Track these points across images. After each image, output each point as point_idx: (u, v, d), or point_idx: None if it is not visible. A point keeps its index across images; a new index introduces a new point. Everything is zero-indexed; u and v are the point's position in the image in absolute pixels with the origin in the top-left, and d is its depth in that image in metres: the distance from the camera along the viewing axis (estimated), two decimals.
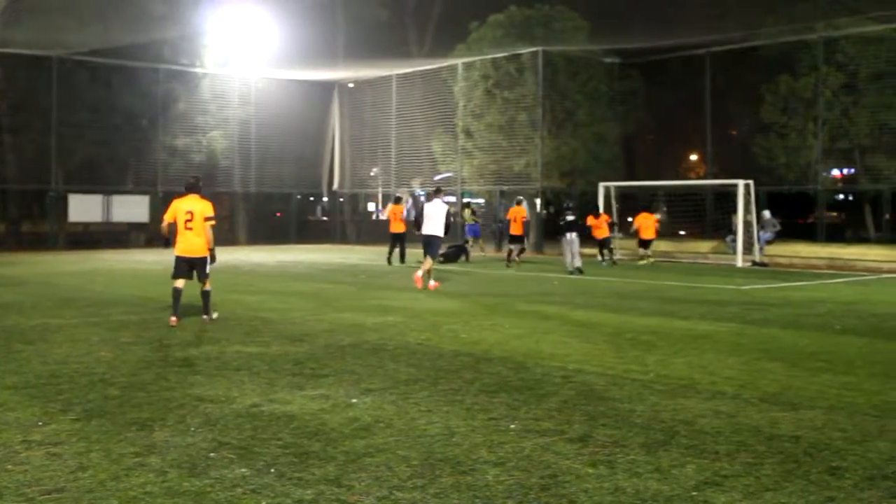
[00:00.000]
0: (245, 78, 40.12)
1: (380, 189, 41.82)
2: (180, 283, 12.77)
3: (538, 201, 34.68)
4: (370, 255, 31.86)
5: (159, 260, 28.11)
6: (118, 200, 36.42)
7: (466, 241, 30.71)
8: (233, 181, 39.57)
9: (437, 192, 19.65)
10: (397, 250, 26.54)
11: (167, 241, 13.80)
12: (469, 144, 36.53)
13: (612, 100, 36.37)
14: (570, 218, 24.45)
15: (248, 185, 40.41)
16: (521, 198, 27.94)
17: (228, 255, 29.72)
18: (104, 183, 36.36)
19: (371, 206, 47.31)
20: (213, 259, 12.96)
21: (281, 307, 14.90)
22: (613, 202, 31.67)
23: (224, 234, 38.57)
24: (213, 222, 12.86)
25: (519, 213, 26.30)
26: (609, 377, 8.70)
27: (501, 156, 35.30)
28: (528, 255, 33.27)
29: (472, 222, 32.39)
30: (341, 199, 43.87)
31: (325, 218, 48.21)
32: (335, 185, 43.41)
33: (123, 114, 36.35)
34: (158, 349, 10.28)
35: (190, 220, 12.77)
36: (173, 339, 11.01)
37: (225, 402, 7.49)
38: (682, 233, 34.57)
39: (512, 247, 26.45)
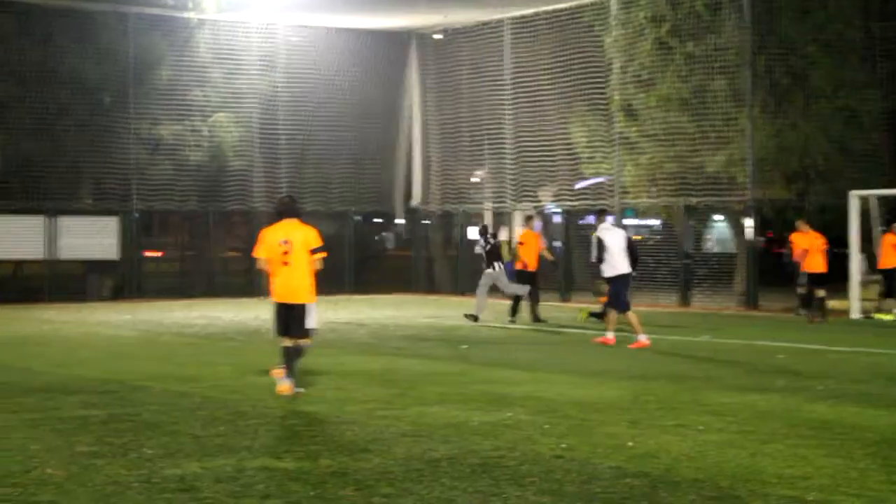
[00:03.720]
0: (268, 27, 40.54)
1: (489, 204, 41.74)
2: (289, 340, 14.92)
3: (749, 223, 34.33)
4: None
5: (139, 320, 28.59)
6: (68, 225, 37.05)
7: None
8: (251, 194, 39.64)
9: (602, 214, 23.52)
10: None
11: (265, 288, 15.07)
12: (632, 131, 36.42)
13: (869, 54, 35.87)
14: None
15: (275, 200, 40.65)
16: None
17: (247, 313, 30.25)
18: (45, 198, 36.90)
19: (473, 233, 47.46)
20: None
21: (333, 397, 15.00)
22: (877, 221, 31.17)
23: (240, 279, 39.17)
24: (322, 254, 14.61)
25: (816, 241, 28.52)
26: None
27: (685, 149, 35.08)
28: (734, 310, 33.01)
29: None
30: (426, 222, 44.08)
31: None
32: (415, 200, 43.64)
33: (74, 86, 36.97)
34: (138, 463, 10.42)
35: (287, 254, 14.45)
36: (161, 448, 11.14)
37: None
38: None
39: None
